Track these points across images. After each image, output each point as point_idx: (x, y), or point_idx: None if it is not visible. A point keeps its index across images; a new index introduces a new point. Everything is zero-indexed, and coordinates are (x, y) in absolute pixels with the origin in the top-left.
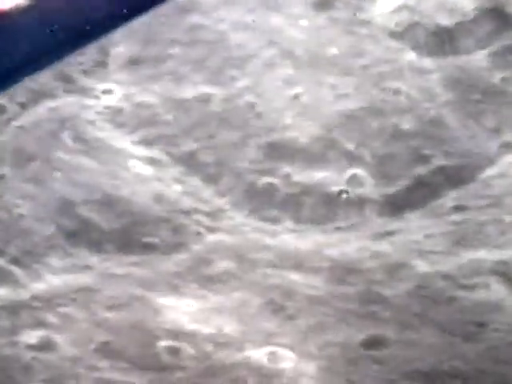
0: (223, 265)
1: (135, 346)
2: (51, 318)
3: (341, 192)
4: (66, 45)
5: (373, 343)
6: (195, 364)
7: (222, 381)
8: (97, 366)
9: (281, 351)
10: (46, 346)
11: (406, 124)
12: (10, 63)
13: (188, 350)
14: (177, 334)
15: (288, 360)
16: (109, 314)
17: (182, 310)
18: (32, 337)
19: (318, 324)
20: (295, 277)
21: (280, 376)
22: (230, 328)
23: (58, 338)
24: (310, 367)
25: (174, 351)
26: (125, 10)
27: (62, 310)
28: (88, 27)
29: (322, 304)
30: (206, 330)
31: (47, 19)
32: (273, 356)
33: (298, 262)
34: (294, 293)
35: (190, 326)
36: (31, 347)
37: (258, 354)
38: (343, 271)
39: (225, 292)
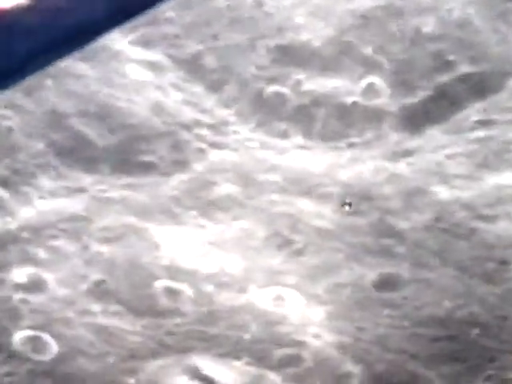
0: (226, 189)
1: (130, 287)
2: (41, 253)
3: (344, 204)
4: (66, 45)
5: (385, 284)
6: (195, 308)
7: (224, 327)
8: (89, 309)
9: (287, 293)
10: (34, 285)
11: (428, 26)
12: (10, 63)
13: (187, 291)
14: (175, 272)
15: (294, 304)
16: (102, 248)
17: (180, 244)
18: (20, 275)
19: (327, 261)
20: (303, 204)
21: (285, 322)
22: (232, 266)
23: (48, 277)
24: (318, 313)
25: (172, 293)
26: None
27: (52, 243)
28: (88, 27)
29: (332, 238)
30: (207, 268)
31: (47, 19)
32: (278, 299)
33: (306, 188)
34: (302, 224)
35: (189, 264)
36: (19, 287)
37: (262, 297)
38: (355, 198)
39: (227, 221)
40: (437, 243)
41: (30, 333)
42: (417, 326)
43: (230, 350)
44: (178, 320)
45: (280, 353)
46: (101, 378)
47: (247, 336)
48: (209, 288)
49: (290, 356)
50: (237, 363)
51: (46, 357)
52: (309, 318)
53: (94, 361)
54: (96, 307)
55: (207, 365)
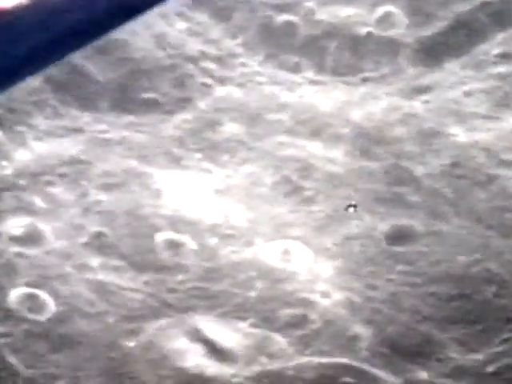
0: (231, 129)
1: (131, 240)
2: (38, 202)
3: (349, 206)
4: (67, 45)
5: (398, 237)
6: (198, 263)
7: (228, 285)
8: (87, 264)
9: (294, 247)
10: (30, 238)
11: None
12: (10, 63)
13: (190, 244)
14: (177, 223)
15: (302, 259)
16: (102, 197)
17: (183, 191)
18: (16, 226)
19: (337, 211)
20: (313, 147)
21: (292, 279)
22: (238, 216)
23: (45, 228)
24: (326, 268)
25: (174, 246)
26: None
27: (49, 190)
28: (88, 27)
29: (343, 184)
30: (210, 218)
31: (47, 19)
32: (285, 254)
33: (316, 128)
34: (311, 169)
35: (193, 214)
36: (15, 240)
37: (268, 251)
38: (368, 140)
39: (232, 165)
40: (453, 191)
41: (26, 290)
42: (430, 283)
43: (234, 309)
44: (181, 276)
45: (286, 313)
46: (99, 339)
47: (252, 294)
48: (212, 241)
49: (296, 317)
50: (241, 324)
51: (43, 316)
52: (317, 275)
53: (92, 321)
54: (95, 261)
55: (210, 326)
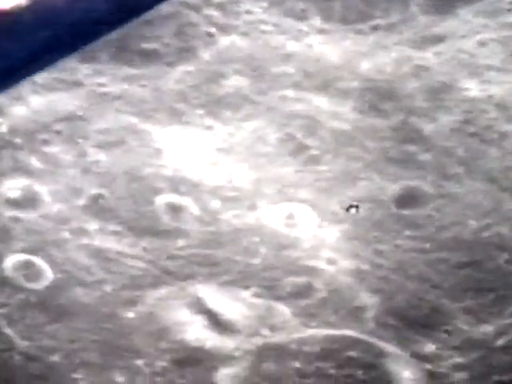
0: (235, 82)
1: (130, 203)
2: (34, 162)
3: (351, 207)
4: (66, 45)
5: (407, 200)
6: (199, 228)
7: (230, 251)
8: (85, 228)
9: (299, 211)
10: (27, 200)
11: None
12: (10, 63)
13: (191, 207)
14: (178, 184)
15: (307, 223)
16: (100, 156)
17: (185, 150)
18: (12, 188)
19: (345, 171)
20: (320, 102)
21: (297, 246)
22: (241, 177)
23: (42, 190)
24: (332, 233)
25: (175, 210)
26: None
27: (46, 149)
28: (88, 27)
29: (351, 142)
30: (213, 179)
31: (47, 19)
32: (290, 218)
33: (324, 81)
34: (318, 125)
35: (194, 174)
36: (11, 203)
37: (272, 215)
38: (377, 95)
39: (236, 122)
40: (464, 150)
41: (22, 257)
42: (439, 249)
43: (236, 277)
44: (181, 242)
45: (290, 281)
46: (97, 310)
47: (256, 261)
48: (215, 204)
49: (301, 285)
50: (243, 294)
51: (40, 285)
52: (322, 240)
53: (90, 290)
54: (93, 226)
55: (211, 296)
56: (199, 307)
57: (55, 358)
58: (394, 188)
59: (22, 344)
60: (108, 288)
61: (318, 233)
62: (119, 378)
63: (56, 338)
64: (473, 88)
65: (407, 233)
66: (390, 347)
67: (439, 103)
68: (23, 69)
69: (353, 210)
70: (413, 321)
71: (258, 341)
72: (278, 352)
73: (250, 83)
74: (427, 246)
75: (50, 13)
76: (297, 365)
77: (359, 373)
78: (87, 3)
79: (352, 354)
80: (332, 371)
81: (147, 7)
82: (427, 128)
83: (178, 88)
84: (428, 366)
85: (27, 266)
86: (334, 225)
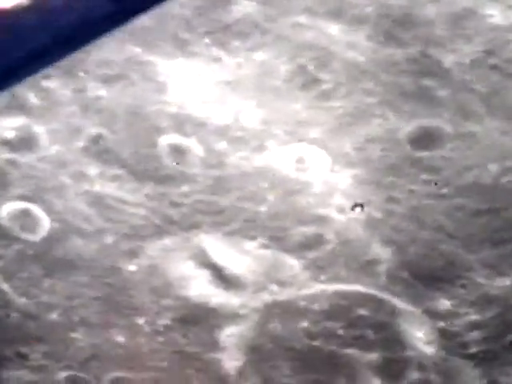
0: (245, 8)
1: (132, 144)
2: (32, 99)
3: (355, 205)
4: (66, 45)
5: (423, 140)
6: (204, 172)
7: (236, 198)
8: (85, 173)
9: (310, 152)
10: (24, 141)
11: None
12: (10, 63)
13: (196, 149)
14: (183, 123)
15: (318, 166)
16: (101, 92)
17: (190, 84)
18: (9, 128)
19: (358, 108)
20: (333, 30)
21: (307, 192)
22: (248, 114)
23: (39, 130)
24: (344, 178)
25: (179, 152)
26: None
27: (44, 83)
28: (88, 27)
29: (365, 76)
30: (219, 118)
31: (47, 19)
32: (300, 161)
33: (338, 8)
34: (330, 56)
35: (200, 112)
36: (7, 144)
37: (281, 158)
38: (393, 23)
39: (244, 52)
40: (485, 85)
41: (19, 205)
42: (456, 195)
43: (242, 227)
44: (185, 188)
45: (300, 232)
46: (97, 263)
47: (263, 209)
48: (221, 145)
49: (310, 236)
50: (250, 245)
51: (37, 236)
52: (334, 186)
53: (89, 241)
54: (93, 170)
55: (216, 247)
56: (203, 260)
57: (53, 315)
58: (409, 127)
59: (19, 301)
60: (108, 239)
61: (329, 177)
62: (119, 338)
63: (54, 293)
64: (496, 15)
65: (423, 177)
66: (402, 304)
67: (460, 32)
68: (23, 68)
69: (357, 209)
70: (427, 274)
71: (265, 298)
72: (285, 310)
73: (260, 9)
74: (443, 191)
75: (50, 13)
76: (304, 324)
77: (369, 333)
78: (87, 3)
79: (362, 312)
80: (341, 331)
81: (148, 7)
82: (446, 60)
83: (182, 13)
84: (441, 324)
85: (24, 214)
86: (346, 168)
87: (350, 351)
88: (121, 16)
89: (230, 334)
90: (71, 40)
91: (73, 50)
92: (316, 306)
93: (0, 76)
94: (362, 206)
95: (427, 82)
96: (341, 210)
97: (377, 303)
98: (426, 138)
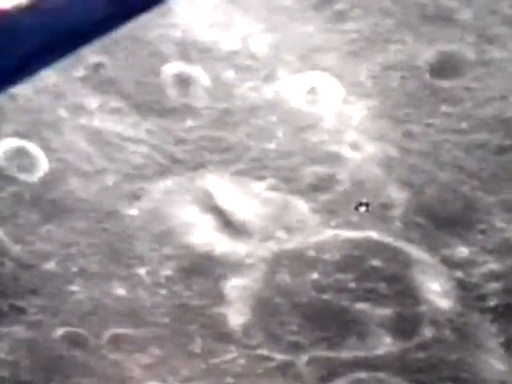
0: None
1: (134, 72)
2: None
3: (360, 204)
4: (66, 45)
5: (443, 67)
6: (210, 104)
7: (244, 134)
8: (84, 105)
9: (323, 81)
10: None
11: None
12: (10, 63)
13: (201, 78)
14: (188, 50)
15: (331, 97)
16: None
17: (195, 6)
18: None
19: (374, 31)
20: None
21: (319, 127)
22: (258, 39)
23: None
24: (359, 110)
25: (184, 82)
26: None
27: None
28: (88, 27)
29: None
30: (227, 43)
31: (47, 19)
32: (312, 93)
33: None
34: None
35: (206, 36)
36: None
37: (293, 88)
38: None
39: None
40: (510, 5)
41: (15, 143)
42: (478, 130)
43: (250, 166)
44: (190, 122)
45: (310, 172)
46: (97, 206)
47: (272, 146)
48: (228, 74)
49: (321, 177)
50: (258, 186)
51: (34, 176)
52: (347, 120)
53: (89, 182)
54: (93, 102)
55: (222, 189)
56: (208, 204)
57: (50, 265)
58: (429, 53)
59: (14, 248)
60: (108, 180)
61: (342, 110)
62: (119, 290)
63: (51, 240)
64: None
65: (442, 109)
66: (417, 252)
67: None
68: (23, 68)
69: (362, 209)
70: (444, 219)
71: (273, 246)
72: (293, 260)
73: None
74: (464, 125)
75: (49, 13)
76: (314, 276)
77: (382, 286)
78: (87, 3)
79: (375, 263)
80: (352, 284)
81: (148, 7)
82: None
83: None
84: (458, 274)
85: (20, 153)
86: (360, 99)
87: (361, 306)
88: (120, 16)
89: (235, 286)
90: (71, 40)
91: (72, 50)
92: (326, 256)
93: (0, 76)
94: (367, 204)
95: (448, 3)
96: (354, 148)
97: (391, 252)
98: (446, 66)
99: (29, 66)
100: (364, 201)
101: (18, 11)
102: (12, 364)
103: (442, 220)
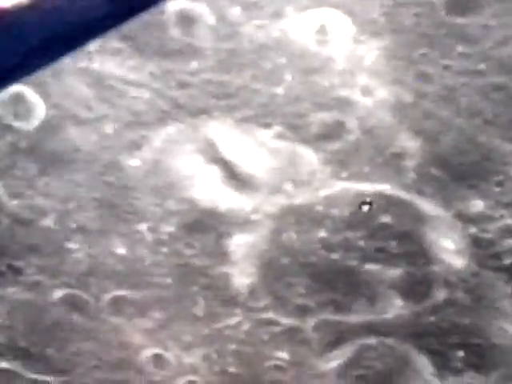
0: None
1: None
2: None
3: (363, 203)
4: (67, 43)
5: (460, 2)
6: (214, 44)
7: (250, 77)
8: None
9: (333, 19)
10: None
11: None
12: (10, 63)
13: (206, 17)
14: None
15: (342, 36)
16: None
17: None
18: None
19: None
20: None
21: (329, 69)
22: None
23: None
24: (371, 51)
25: (188, 19)
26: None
27: None
28: (88, 27)
29: None
30: None
31: (48, 19)
32: (321, 33)
33: None
34: None
35: None
36: None
37: (301, 26)
38: None
39: None
40: None
41: (11, 88)
42: (497, 72)
43: (257, 112)
44: (194, 64)
45: (319, 119)
46: (96, 156)
47: (280, 91)
48: (234, 11)
49: (331, 124)
50: (265, 134)
51: (31, 124)
52: (359, 61)
53: (88, 130)
54: (91, 45)
55: (227, 139)
56: (212, 155)
57: (47, 221)
58: None
59: (11, 203)
60: (108, 127)
61: (353, 50)
62: (119, 249)
63: (48, 195)
64: None
65: (459, 49)
66: (430, 207)
67: None
68: (23, 68)
69: (365, 208)
70: (459, 170)
71: (280, 201)
72: (301, 217)
73: None
74: (481, 66)
75: (49, 13)
76: (322, 234)
77: (392, 244)
78: (87, 3)
79: (386, 220)
80: (361, 243)
81: (148, 6)
82: None
83: None
84: (473, 230)
85: (17, 99)
86: (372, 38)
87: (370, 267)
88: (120, 16)
89: (239, 245)
90: (71, 40)
91: (72, 49)
92: (335, 212)
93: (0, 76)
94: (370, 203)
95: None
96: (366, 92)
97: (402, 208)
98: (462, 2)
99: (29, 65)
100: (367, 200)
101: (19, 10)
102: (9, 329)
103: (457, 171)
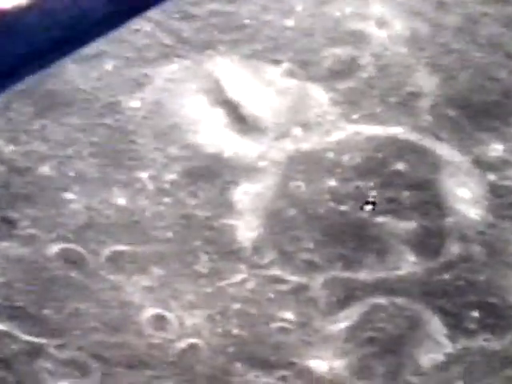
0: None
1: None
2: None
3: (367, 202)
4: (66, 44)
5: None
6: None
7: (260, 5)
8: None
9: None
10: None
11: None
12: (10, 63)
13: None
14: None
15: None
16: None
17: None
18: None
19: None
20: None
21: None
22: None
23: None
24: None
25: None
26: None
27: None
28: (88, 27)
29: None
30: None
31: (47, 19)
32: None
33: None
34: None
35: None
36: None
37: None
38: None
39: None
40: None
41: None
42: None
43: (265, 47)
44: None
45: (331, 54)
46: (95, 97)
47: (290, 23)
48: None
49: (343, 60)
50: (273, 72)
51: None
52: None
53: (87, 67)
54: None
55: (234, 76)
56: (217, 95)
57: (45, 169)
58: None
59: (7, 149)
60: (108, 65)
61: None
62: (119, 200)
63: (46, 139)
64: None
65: None
66: (447, 152)
67: None
68: (23, 68)
69: (368, 207)
70: (478, 110)
71: (288, 146)
72: (310, 164)
73: None
74: None
75: (49, 13)
76: (332, 183)
77: (405, 195)
78: (87, 3)
79: (399, 167)
80: (373, 193)
81: (147, 6)
82: None
83: None
84: (491, 177)
85: None
86: None
87: (381, 220)
88: (120, 16)
89: (245, 194)
90: (71, 40)
91: (72, 49)
92: (345, 159)
93: (0, 75)
94: (373, 203)
95: None
96: (381, 24)
97: (417, 154)
98: None
99: (29, 64)
100: (371, 199)
101: (19, 10)
102: (5, 286)
103: (475, 111)
